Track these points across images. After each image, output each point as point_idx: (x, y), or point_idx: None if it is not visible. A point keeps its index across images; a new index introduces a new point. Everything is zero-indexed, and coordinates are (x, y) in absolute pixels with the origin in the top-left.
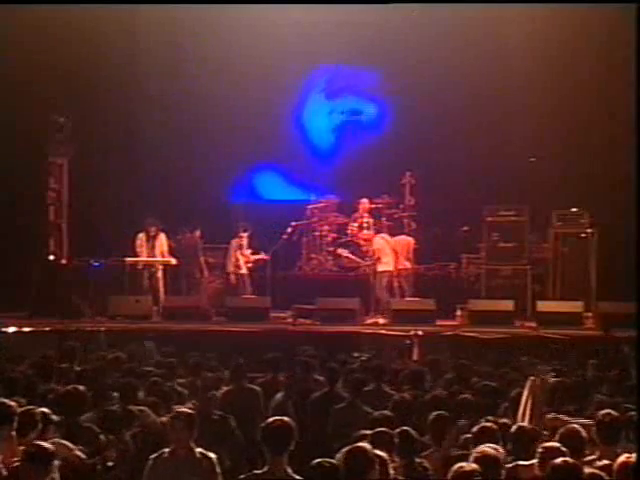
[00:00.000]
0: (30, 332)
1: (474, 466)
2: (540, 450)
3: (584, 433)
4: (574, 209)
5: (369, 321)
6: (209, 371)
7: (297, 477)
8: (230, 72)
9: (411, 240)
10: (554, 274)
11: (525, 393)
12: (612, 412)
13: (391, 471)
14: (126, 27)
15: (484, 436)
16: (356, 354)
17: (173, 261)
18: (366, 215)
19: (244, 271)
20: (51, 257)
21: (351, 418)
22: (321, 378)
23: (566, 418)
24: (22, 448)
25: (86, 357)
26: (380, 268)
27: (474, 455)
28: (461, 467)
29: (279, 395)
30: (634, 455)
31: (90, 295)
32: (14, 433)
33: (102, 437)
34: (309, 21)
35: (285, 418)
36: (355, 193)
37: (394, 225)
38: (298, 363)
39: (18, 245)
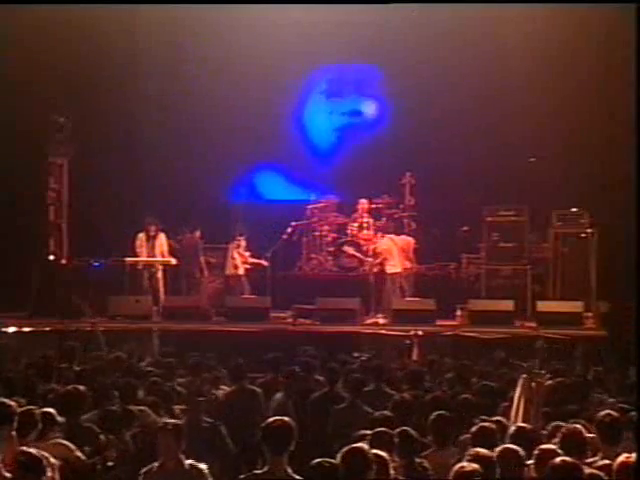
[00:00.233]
0: (30, 332)
1: (475, 466)
2: (536, 452)
3: (585, 433)
4: (574, 209)
5: (369, 321)
6: (208, 371)
7: (297, 477)
8: (230, 72)
9: (411, 240)
10: (554, 274)
11: (517, 392)
12: (612, 412)
13: (391, 471)
14: (126, 27)
15: (483, 436)
16: (356, 354)
17: (173, 261)
18: (366, 215)
19: (241, 272)
20: (51, 257)
21: (351, 418)
22: (321, 378)
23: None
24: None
25: (86, 357)
26: (389, 270)
27: (469, 455)
28: (462, 467)
29: (279, 395)
30: (634, 455)
31: (90, 295)
32: (14, 433)
33: (102, 437)
34: (309, 21)
35: (285, 418)
36: (355, 193)
37: (394, 225)
38: (298, 363)
39: (18, 245)
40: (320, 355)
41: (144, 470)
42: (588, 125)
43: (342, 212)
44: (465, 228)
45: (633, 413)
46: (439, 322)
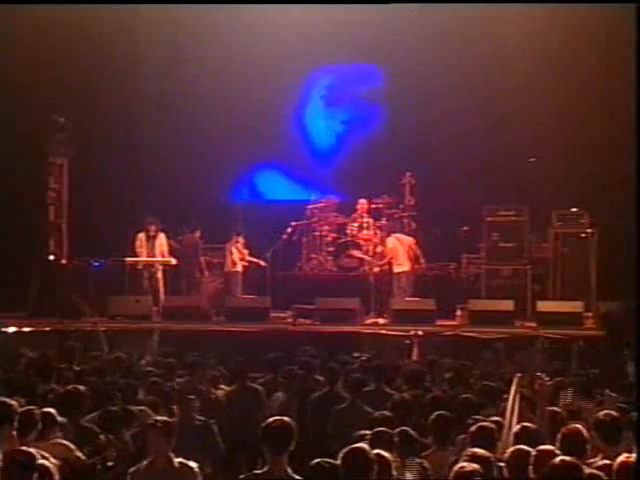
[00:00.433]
0: (30, 332)
1: (475, 466)
2: (535, 452)
3: (585, 433)
4: (574, 209)
5: (369, 321)
6: (207, 371)
7: (297, 477)
8: (230, 72)
9: (412, 240)
10: (554, 274)
11: (512, 390)
12: (612, 412)
13: (394, 472)
14: (126, 27)
15: (481, 436)
16: (356, 354)
17: (173, 261)
18: (366, 215)
19: (239, 269)
20: (51, 257)
21: (351, 418)
22: (321, 378)
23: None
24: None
25: (86, 357)
26: (396, 269)
27: (466, 456)
28: (462, 467)
29: (279, 395)
30: (634, 455)
31: (90, 295)
32: (15, 433)
33: (102, 437)
34: (309, 21)
35: (285, 418)
36: (355, 193)
37: (394, 225)
38: (298, 363)
39: (18, 245)
40: (320, 355)
41: (132, 469)
42: (588, 125)
43: (342, 212)
44: (465, 228)
45: (634, 413)
46: (439, 322)
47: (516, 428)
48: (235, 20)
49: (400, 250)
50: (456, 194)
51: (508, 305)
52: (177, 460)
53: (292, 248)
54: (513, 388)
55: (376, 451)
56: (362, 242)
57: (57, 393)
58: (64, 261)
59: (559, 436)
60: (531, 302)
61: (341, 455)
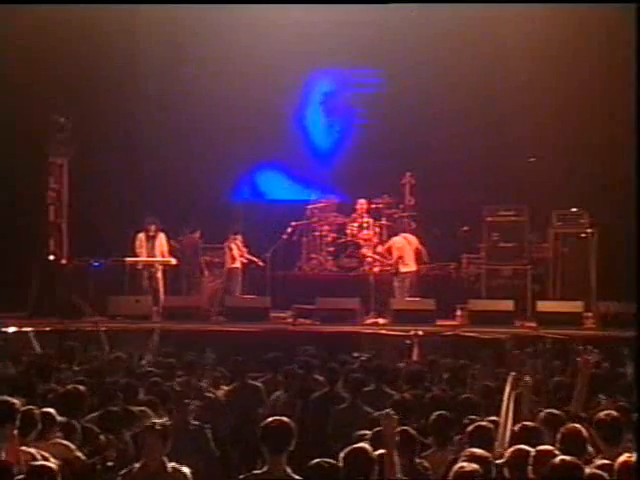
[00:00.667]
0: (31, 331)
1: (475, 466)
2: (534, 453)
3: (585, 433)
4: (574, 209)
5: (369, 321)
6: (204, 370)
7: (296, 477)
8: (230, 72)
9: (417, 240)
10: (554, 274)
11: (507, 390)
12: (613, 412)
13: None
14: (126, 27)
15: (479, 436)
16: (356, 354)
17: (173, 261)
18: (365, 215)
19: (238, 265)
20: (51, 257)
21: (351, 418)
22: (321, 378)
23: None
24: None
25: (86, 357)
26: (403, 269)
27: (464, 456)
28: (462, 467)
29: (279, 395)
30: (635, 455)
31: (90, 295)
32: (16, 432)
33: (102, 437)
34: (309, 21)
35: (284, 418)
36: (355, 193)
37: (402, 225)
38: (298, 363)
39: (18, 245)
40: (320, 355)
41: (124, 471)
42: (588, 125)
43: (342, 212)
44: (465, 228)
45: (634, 414)
46: (439, 322)
47: (516, 427)
48: (235, 20)
49: (407, 250)
50: (456, 194)
51: (508, 305)
52: (170, 465)
53: (292, 248)
54: (508, 387)
55: (380, 451)
56: (362, 242)
57: (57, 393)
58: (64, 261)
59: (558, 436)
60: (531, 302)
61: (342, 455)
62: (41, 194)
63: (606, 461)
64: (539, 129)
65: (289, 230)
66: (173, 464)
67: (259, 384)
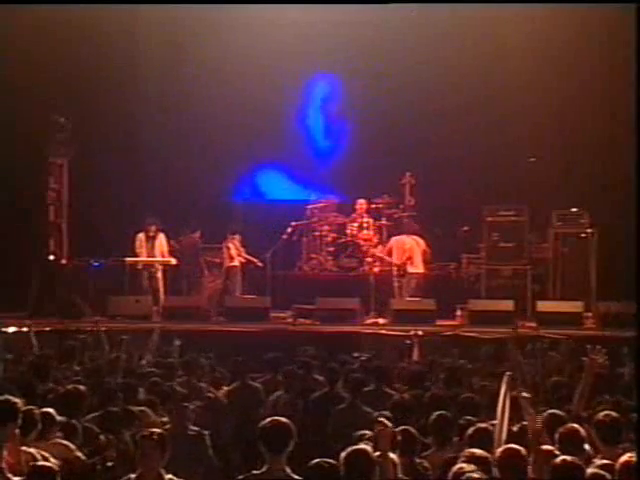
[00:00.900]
0: (31, 330)
1: (473, 467)
2: (534, 453)
3: (583, 433)
4: (574, 209)
5: (369, 321)
6: (203, 370)
7: (296, 477)
8: (230, 72)
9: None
10: (554, 274)
11: (502, 390)
12: (612, 413)
13: (399, 473)
14: (126, 27)
15: (479, 438)
16: (356, 354)
17: (173, 261)
18: (365, 215)
19: (237, 263)
20: (51, 257)
21: (351, 418)
22: (321, 378)
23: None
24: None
25: (86, 357)
26: (410, 270)
27: (464, 457)
28: (461, 468)
29: (279, 395)
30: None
31: (90, 295)
32: (18, 431)
33: (102, 437)
34: (308, 21)
35: (283, 418)
36: (355, 193)
37: (395, 225)
38: (298, 363)
39: (18, 245)
40: (320, 355)
41: None
42: (588, 125)
43: (342, 212)
44: (465, 228)
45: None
46: (439, 322)
47: (515, 427)
48: (235, 20)
49: (416, 251)
50: (456, 194)
51: (508, 305)
52: (167, 477)
53: (292, 248)
54: (503, 387)
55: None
56: (362, 242)
57: (57, 393)
58: (64, 261)
59: (557, 436)
60: (531, 302)
61: (343, 457)
62: (41, 194)
63: (606, 461)
64: (539, 129)
65: (289, 230)
66: (170, 476)
67: (259, 384)
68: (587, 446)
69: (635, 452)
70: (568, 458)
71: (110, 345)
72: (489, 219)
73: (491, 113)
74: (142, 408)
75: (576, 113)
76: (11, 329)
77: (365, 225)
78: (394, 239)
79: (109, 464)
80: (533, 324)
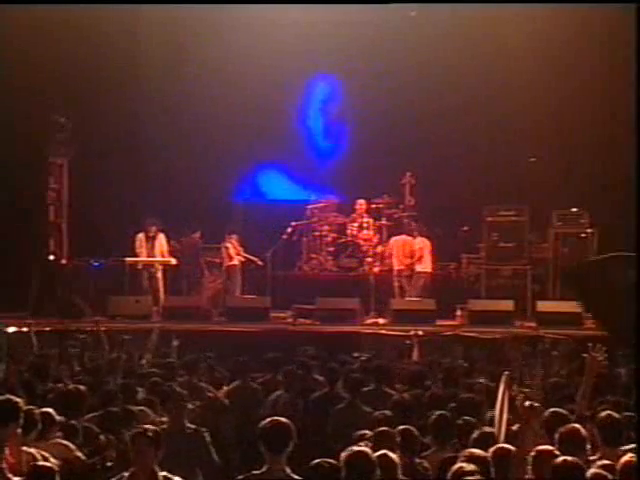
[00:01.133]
0: (32, 330)
1: (473, 466)
2: (534, 453)
3: (584, 432)
4: (574, 209)
5: (369, 321)
6: (204, 370)
7: (296, 477)
8: (231, 72)
9: (412, 240)
10: (554, 274)
11: (500, 389)
12: (613, 413)
13: (399, 473)
14: (127, 27)
15: (485, 441)
16: (356, 354)
17: (173, 261)
18: (365, 215)
19: (236, 262)
20: (51, 257)
21: (351, 418)
22: (321, 378)
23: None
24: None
25: (86, 357)
26: (419, 268)
27: (463, 456)
28: (461, 467)
29: (279, 395)
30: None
31: (90, 295)
32: (20, 431)
33: (102, 437)
34: (309, 21)
35: (283, 418)
36: (355, 193)
37: (394, 225)
38: (298, 363)
39: (18, 245)
40: (320, 355)
41: None
42: (588, 125)
43: (342, 212)
44: (465, 228)
45: (630, 413)
46: (439, 322)
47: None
48: (236, 20)
49: (426, 251)
50: (456, 194)
51: (508, 305)
52: (162, 474)
53: (292, 248)
54: (501, 387)
55: (382, 452)
56: (362, 242)
57: (57, 393)
58: (64, 261)
59: (557, 436)
60: (531, 302)
61: (343, 459)
62: (41, 194)
63: (606, 461)
64: (539, 129)
65: (289, 230)
66: (165, 473)
67: (259, 384)
68: (589, 446)
69: (635, 452)
70: (568, 458)
71: (110, 345)
72: (489, 219)
73: (491, 113)
74: (142, 408)
75: (576, 113)
76: (11, 329)
77: (365, 225)
78: (396, 239)
79: (109, 464)
80: (533, 324)
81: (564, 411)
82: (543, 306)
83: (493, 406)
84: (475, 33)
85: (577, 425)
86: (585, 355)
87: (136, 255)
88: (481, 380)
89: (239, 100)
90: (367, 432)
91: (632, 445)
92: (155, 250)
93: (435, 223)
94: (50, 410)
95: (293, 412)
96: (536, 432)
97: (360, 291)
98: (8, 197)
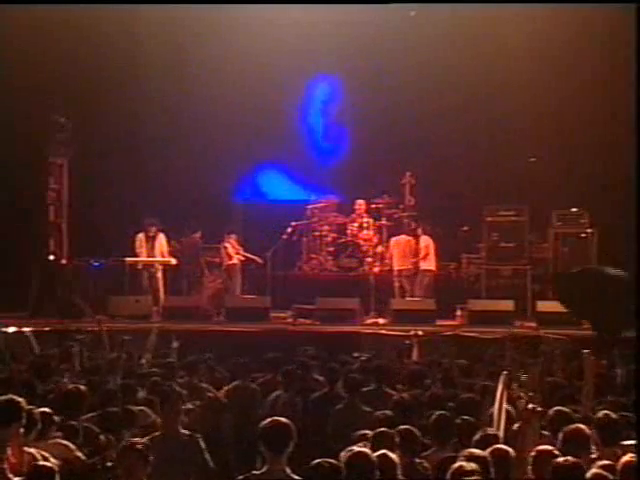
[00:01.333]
0: (30, 332)
1: (474, 465)
2: (534, 453)
3: (588, 432)
4: (574, 209)
5: (369, 321)
6: (205, 370)
7: (296, 477)
8: (231, 72)
9: (412, 240)
10: (554, 274)
11: (499, 388)
12: (610, 413)
13: (399, 473)
14: (127, 27)
15: (487, 443)
16: (356, 354)
17: (173, 261)
18: (365, 215)
19: (235, 261)
20: (51, 257)
21: (351, 418)
22: (321, 378)
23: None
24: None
25: (86, 357)
26: (423, 266)
27: (463, 456)
28: (461, 466)
29: (279, 395)
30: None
31: (90, 295)
32: (22, 430)
33: (102, 437)
34: (309, 21)
35: (282, 419)
36: (355, 193)
37: (394, 225)
38: (298, 363)
39: (18, 245)
40: (320, 355)
41: None
42: (588, 125)
43: (342, 212)
44: (465, 228)
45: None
46: (439, 322)
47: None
48: (236, 20)
49: (432, 249)
50: (456, 194)
51: (508, 305)
52: None
53: (292, 248)
54: (500, 386)
55: (382, 452)
56: (362, 242)
57: (57, 393)
58: (64, 261)
59: (560, 436)
60: (531, 302)
61: (343, 459)
62: (41, 194)
63: (605, 461)
64: (539, 129)
65: (289, 230)
66: None
67: (259, 384)
68: (593, 447)
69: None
70: (568, 458)
71: (110, 345)
72: (489, 219)
73: (491, 113)
74: (142, 408)
75: (576, 113)
76: (11, 329)
77: (365, 225)
78: (396, 239)
79: (109, 464)
80: (533, 324)
81: (568, 410)
82: (543, 306)
83: (492, 406)
84: (475, 33)
85: (581, 425)
86: (585, 351)
87: (136, 255)
88: (481, 380)
89: (239, 100)
90: (367, 432)
91: (630, 442)
92: (155, 250)
93: (435, 223)
94: (48, 410)
95: (293, 412)
96: (536, 432)
97: (360, 291)
98: (8, 197)
